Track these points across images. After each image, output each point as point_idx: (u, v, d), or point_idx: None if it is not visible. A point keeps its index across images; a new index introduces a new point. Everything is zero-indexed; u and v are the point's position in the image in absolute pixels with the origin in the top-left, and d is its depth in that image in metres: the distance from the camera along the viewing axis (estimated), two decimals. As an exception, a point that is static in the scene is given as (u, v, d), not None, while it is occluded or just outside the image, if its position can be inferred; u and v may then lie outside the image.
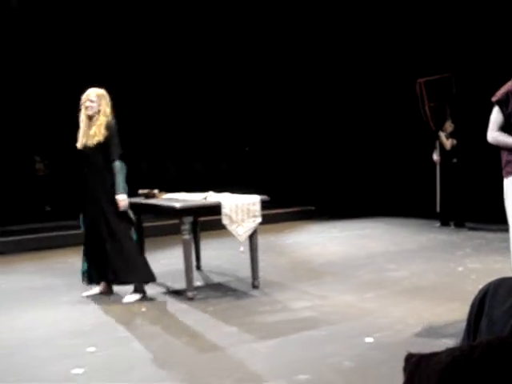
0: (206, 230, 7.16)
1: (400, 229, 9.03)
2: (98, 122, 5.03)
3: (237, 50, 12.62)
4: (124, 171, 5.07)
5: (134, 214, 5.30)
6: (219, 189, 5.97)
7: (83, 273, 5.31)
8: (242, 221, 5.16)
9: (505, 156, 3.81)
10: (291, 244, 8.13)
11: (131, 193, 5.76)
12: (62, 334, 4.23)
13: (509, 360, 1.06)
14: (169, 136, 12.43)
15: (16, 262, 7.54)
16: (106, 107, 5.07)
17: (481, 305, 1.46)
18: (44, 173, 11.68)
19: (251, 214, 5.20)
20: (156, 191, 5.81)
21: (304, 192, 11.72)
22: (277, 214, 10.07)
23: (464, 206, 8.77)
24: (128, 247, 5.08)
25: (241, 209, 5.15)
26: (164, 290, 5.52)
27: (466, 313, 1.52)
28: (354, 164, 12.03)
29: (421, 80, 9.26)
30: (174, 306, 4.94)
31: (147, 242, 6.14)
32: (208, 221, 6.46)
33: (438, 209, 9.07)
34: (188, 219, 5.00)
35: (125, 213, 5.06)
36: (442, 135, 8.89)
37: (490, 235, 7.86)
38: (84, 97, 5.12)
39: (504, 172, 3.83)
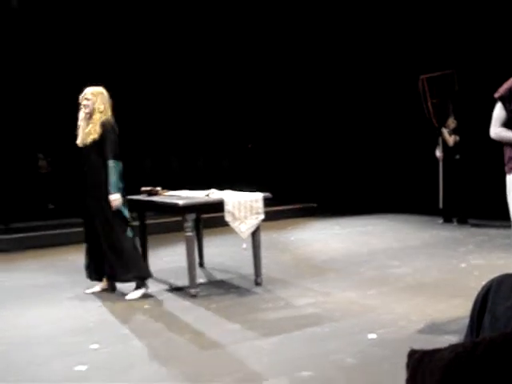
0: (208, 227, 7.15)
1: (402, 225, 9.02)
2: (94, 120, 5.03)
3: (240, 47, 12.61)
4: (118, 170, 5.01)
5: (137, 211, 5.28)
6: (222, 186, 5.98)
7: (86, 268, 5.34)
8: (245, 218, 5.16)
9: (508, 152, 3.81)
10: (294, 241, 8.13)
11: (134, 190, 5.77)
12: (65, 331, 4.24)
13: (512, 356, 1.06)
14: (172, 133, 12.43)
15: (19, 259, 7.56)
16: (101, 105, 5.04)
17: (484, 301, 1.46)
18: (47, 170, 11.63)
19: (254, 211, 5.20)
20: (159, 189, 5.81)
21: (306, 189, 11.71)
22: (279, 210, 10.06)
23: (467, 202, 8.75)
24: (125, 246, 5.08)
25: (243, 206, 5.15)
26: (167, 287, 5.53)
27: (468, 309, 1.52)
28: (356, 161, 12.02)
29: (423, 76, 9.23)
30: (177, 303, 4.95)
31: (150, 240, 6.13)
32: (211, 218, 6.46)
33: (440, 205, 9.05)
34: (191, 216, 5.00)
35: (120, 211, 5.05)
36: (445, 132, 8.88)
37: (493, 231, 7.85)
38: (81, 95, 5.12)
39: (507, 168, 3.82)
